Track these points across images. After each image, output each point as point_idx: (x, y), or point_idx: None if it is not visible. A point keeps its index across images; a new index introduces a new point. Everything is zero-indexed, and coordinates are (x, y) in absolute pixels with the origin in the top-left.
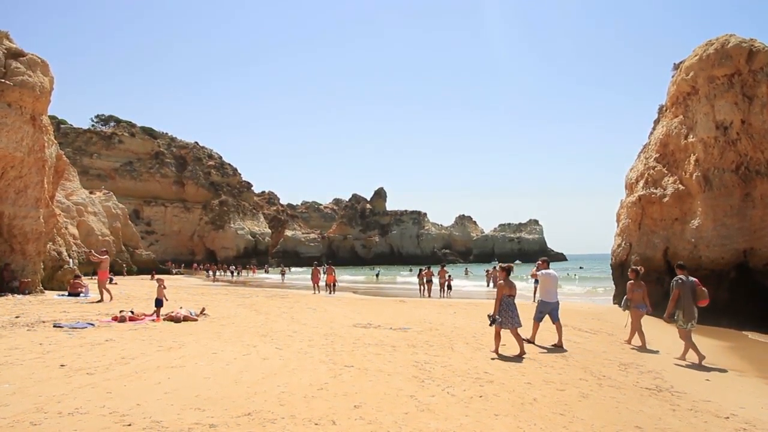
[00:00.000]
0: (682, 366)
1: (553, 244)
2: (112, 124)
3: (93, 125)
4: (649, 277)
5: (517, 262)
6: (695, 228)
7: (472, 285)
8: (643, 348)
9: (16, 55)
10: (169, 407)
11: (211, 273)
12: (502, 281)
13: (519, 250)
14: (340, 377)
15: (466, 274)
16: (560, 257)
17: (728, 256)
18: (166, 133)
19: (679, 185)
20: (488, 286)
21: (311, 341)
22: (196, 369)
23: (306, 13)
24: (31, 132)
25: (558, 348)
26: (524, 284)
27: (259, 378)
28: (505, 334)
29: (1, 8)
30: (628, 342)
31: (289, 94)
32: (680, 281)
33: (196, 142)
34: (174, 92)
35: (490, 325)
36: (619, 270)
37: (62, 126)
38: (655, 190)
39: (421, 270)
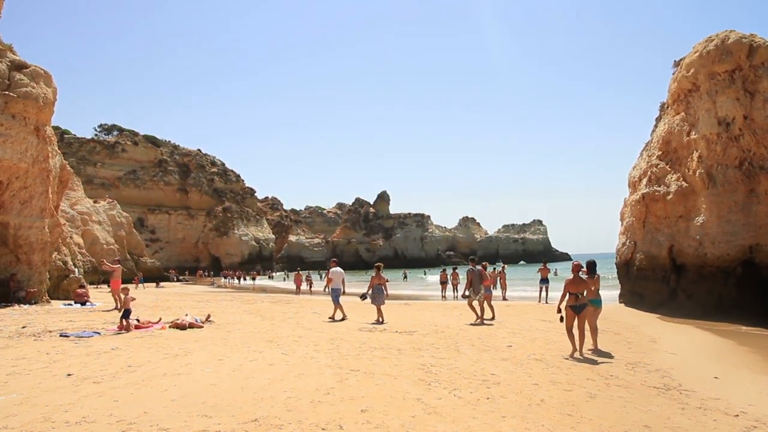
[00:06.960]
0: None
1: (557, 244)
2: (115, 133)
3: (96, 135)
4: (654, 275)
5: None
6: (700, 225)
7: None
8: (480, 323)
9: (19, 67)
10: (176, 414)
11: (229, 279)
12: (374, 274)
13: (523, 250)
14: (347, 381)
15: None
16: (565, 257)
17: (734, 253)
18: (169, 141)
19: (683, 182)
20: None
21: (317, 346)
22: (202, 376)
23: (306, 19)
24: (35, 143)
25: (337, 322)
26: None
27: (266, 383)
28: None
29: (4, 19)
30: (481, 320)
31: (290, 100)
32: (471, 270)
33: (199, 150)
34: (176, 100)
35: (362, 300)
36: (624, 269)
37: (66, 136)
38: (658, 188)
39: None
